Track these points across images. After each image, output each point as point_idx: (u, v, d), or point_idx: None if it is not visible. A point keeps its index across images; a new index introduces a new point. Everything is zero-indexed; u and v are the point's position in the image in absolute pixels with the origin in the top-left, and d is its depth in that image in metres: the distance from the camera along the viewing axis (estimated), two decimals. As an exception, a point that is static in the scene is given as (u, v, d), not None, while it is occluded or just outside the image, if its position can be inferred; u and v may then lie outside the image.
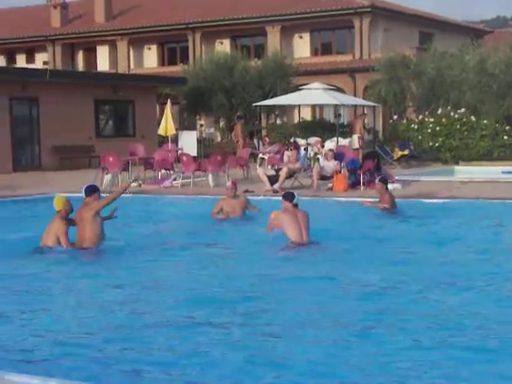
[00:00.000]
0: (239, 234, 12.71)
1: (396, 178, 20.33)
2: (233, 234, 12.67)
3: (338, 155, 20.55)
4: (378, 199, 15.09)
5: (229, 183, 14.51)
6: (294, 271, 9.60)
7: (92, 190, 11.01)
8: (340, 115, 32.61)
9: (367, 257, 10.54)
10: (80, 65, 49.55)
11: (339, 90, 34.48)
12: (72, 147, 29.01)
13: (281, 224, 11.11)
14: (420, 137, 28.72)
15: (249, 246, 11.47)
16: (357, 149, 26.28)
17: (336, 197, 17.65)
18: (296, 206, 11.27)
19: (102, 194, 11.45)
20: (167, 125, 24.53)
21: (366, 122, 31.83)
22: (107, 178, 20.66)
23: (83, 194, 11.04)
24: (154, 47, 47.54)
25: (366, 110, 33.08)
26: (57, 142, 28.59)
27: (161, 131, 25.30)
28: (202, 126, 35.91)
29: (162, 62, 47.50)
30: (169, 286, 8.89)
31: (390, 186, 15.90)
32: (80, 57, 49.93)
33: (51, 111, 28.38)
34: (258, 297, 8.30)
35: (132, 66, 47.09)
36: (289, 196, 11.39)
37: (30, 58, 49.72)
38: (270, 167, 21.15)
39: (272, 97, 32.54)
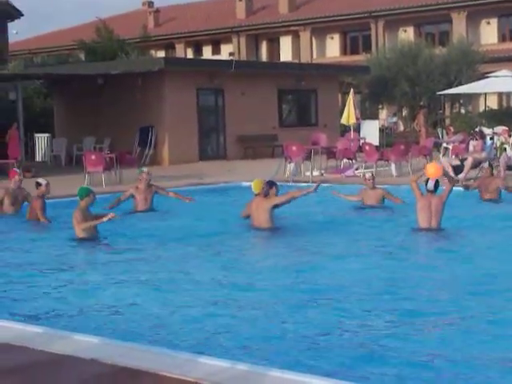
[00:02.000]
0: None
1: None
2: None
3: (527, 145, 19.80)
4: None
5: (368, 174, 14.74)
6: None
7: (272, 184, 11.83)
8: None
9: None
10: (263, 55, 50.42)
11: (529, 77, 33.10)
12: (256, 137, 29.55)
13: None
14: None
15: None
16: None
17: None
18: (433, 191, 11.49)
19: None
20: (350, 114, 24.49)
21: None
22: (290, 167, 20.92)
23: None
24: (336, 36, 47.60)
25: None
26: (241, 132, 29.21)
27: (343, 120, 25.29)
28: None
29: (344, 51, 47.48)
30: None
31: None
32: (263, 47, 50.78)
33: (236, 101, 29.02)
34: None
35: (314, 56, 47.38)
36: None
37: (216, 50, 51.11)
38: (454, 157, 20.68)
39: (457, 85, 31.78)
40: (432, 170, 11.61)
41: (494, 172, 18.35)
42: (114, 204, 13.88)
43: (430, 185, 11.52)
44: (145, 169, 15.10)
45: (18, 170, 15.36)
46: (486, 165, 15.93)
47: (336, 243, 11.06)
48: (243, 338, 6.41)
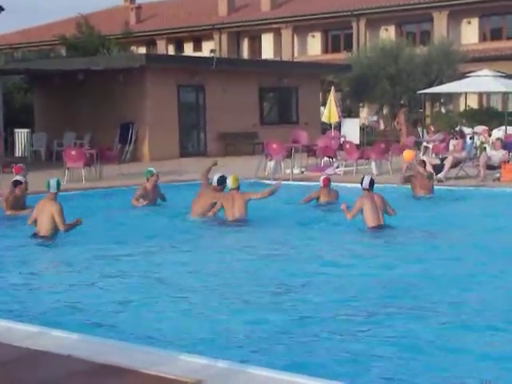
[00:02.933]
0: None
1: None
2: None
3: (506, 144, 19.91)
4: None
5: (323, 177, 15.01)
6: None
7: None
8: None
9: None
10: (245, 53, 50.39)
11: (509, 76, 33.29)
12: (236, 134, 29.54)
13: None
14: None
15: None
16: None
17: (504, 187, 17.09)
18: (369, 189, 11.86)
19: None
20: (331, 112, 24.54)
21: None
22: (270, 164, 20.93)
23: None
24: (318, 35, 47.64)
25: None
26: (222, 129, 29.19)
27: (324, 118, 25.35)
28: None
29: (325, 50, 47.54)
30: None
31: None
32: (245, 45, 50.76)
33: (217, 98, 29.00)
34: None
35: (296, 54, 47.40)
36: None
37: (197, 47, 51.04)
38: (434, 156, 20.76)
39: (437, 84, 31.88)
40: (407, 154, 14.02)
41: (474, 171, 18.50)
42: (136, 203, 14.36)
43: (366, 182, 11.80)
44: (154, 170, 15.10)
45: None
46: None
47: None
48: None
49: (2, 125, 24.50)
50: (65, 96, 28.98)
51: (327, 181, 14.76)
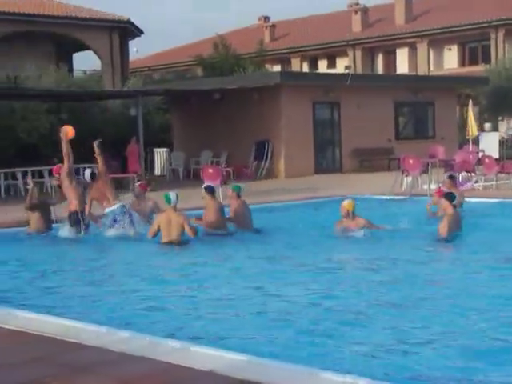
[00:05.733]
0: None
1: None
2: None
3: None
4: None
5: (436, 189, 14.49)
6: None
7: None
8: None
9: None
10: (379, 68, 50.07)
11: None
12: (372, 150, 29.34)
13: None
14: None
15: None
16: None
17: None
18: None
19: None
20: (470, 126, 24.08)
21: None
22: (407, 180, 20.65)
23: None
24: (454, 47, 46.81)
25: None
26: (357, 145, 29.07)
27: (468, 133, 24.86)
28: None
29: (462, 63, 46.63)
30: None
31: None
32: (379, 60, 50.44)
33: (352, 114, 28.91)
34: None
35: (431, 68, 46.70)
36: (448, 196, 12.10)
37: (332, 63, 51.11)
38: None
39: None
40: None
41: None
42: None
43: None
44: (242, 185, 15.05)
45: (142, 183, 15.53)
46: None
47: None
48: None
49: (142, 144, 25.25)
50: (201, 115, 29.58)
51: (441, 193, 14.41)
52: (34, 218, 13.67)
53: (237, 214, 13.56)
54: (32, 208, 13.66)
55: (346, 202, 12.69)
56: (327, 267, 10.30)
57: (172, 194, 12.24)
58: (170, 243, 11.86)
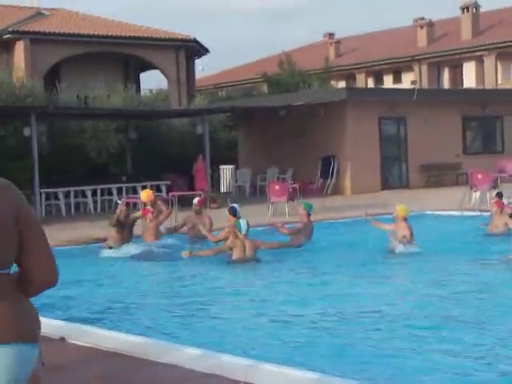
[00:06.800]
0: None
1: None
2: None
3: None
4: None
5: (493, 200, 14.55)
6: None
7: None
8: None
9: None
10: (445, 82, 49.56)
11: None
12: (439, 165, 28.99)
13: None
14: None
15: None
16: None
17: None
18: None
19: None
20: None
21: None
22: (476, 195, 20.35)
23: None
24: (522, 60, 46.06)
25: None
26: (424, 160, 28.74)
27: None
28: None
29: (531, 76, 45.84)
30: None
31: None
32: (445, 74, 49.92)
33: (418, 129, 28.61)
34: None
35: (499, 81, 46.02)
36: None
37: (397, 78, 50.78)
38: None
39: None
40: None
41: None
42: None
43: None
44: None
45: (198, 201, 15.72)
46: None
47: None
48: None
49: (208, 162, 25.42)
50: (267, 132, 29.65)
51: (499, 204, 14.22)
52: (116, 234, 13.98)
53: (306, 230, 13.82)
54: (117, 225, 13.95)
55: (399, 207, 12.82)
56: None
57: (243, 223, 12.06)
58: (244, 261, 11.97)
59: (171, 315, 8.77)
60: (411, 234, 12.56)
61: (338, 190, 27.02)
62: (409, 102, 28.05)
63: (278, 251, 12.94)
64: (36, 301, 2.99)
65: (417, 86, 39.60)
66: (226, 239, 12.41)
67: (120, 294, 10.25)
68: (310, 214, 14.02)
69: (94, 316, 8.72)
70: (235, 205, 13.29)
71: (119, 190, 23.93)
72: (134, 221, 14.44)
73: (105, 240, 14.08)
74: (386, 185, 28.05)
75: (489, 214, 15.01)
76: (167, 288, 10.85)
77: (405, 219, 12.63)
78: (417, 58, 49.21)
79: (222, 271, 11.84)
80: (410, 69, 49.93)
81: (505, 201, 14.52)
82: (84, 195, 23.55)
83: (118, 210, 14.24)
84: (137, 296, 10.09)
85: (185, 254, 12.54)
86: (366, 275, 10.87)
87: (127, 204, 15.94)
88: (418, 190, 27.22)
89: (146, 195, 15.08)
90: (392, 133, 29.01)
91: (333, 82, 49.29)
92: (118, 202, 15.39)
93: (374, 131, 27.99)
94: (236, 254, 12.00)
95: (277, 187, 20.42)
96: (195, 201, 15.34)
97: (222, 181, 31.46)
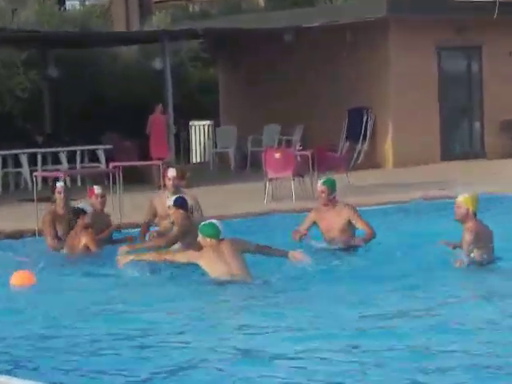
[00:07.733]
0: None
1: None
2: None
3: None
4: None
5: None
6: None
7: None
8: None
9: None
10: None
11: None
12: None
13: None
14: None
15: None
16: None
17: None
18: None
19: None
20: None
21: None
22: None
23: None
24: None
25: None
26: (508, 115, 28.57)
27: None
28: None
29: None
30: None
31: None
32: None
33: (500, 67, 28.49)
34: None
35: None
36: None
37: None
38: None
39: None
40: None
41: None
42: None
43: None
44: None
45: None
46: None
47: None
48: None
49: (171, 115, 25.18)
50: (264, 70, 29.56)
51: None
52: None
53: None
54: None
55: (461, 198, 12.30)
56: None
57: (214, 225, 11.87)
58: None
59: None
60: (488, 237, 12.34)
61: (373, 161, 27.17)
62: (486, 23, 27.83)
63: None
64: None
65: None
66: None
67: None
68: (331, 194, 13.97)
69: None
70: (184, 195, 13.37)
71: (31, 159, 23.75)
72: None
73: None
74: (448, 153, 28.23)
75: None
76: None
77: (474, 215, 12.23)
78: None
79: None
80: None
81: None
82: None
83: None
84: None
85: (122, 251, 12.56)
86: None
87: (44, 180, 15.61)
88: (500, 160, 27.11)
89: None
90: (459, 72, 29.17)
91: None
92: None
93: (431, 69, 28.04)
94: (212, 270, 11.90)
95: (277, 155, 20.25)
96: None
97: (193, 145, 31.33)
